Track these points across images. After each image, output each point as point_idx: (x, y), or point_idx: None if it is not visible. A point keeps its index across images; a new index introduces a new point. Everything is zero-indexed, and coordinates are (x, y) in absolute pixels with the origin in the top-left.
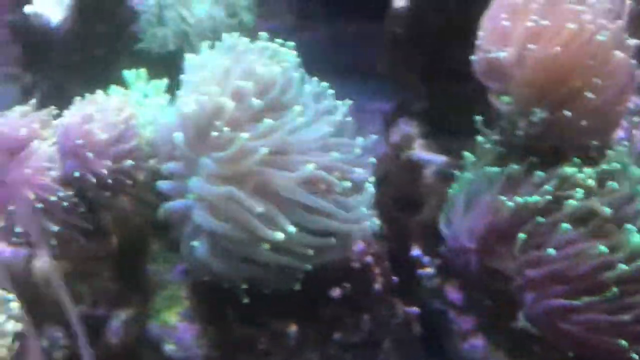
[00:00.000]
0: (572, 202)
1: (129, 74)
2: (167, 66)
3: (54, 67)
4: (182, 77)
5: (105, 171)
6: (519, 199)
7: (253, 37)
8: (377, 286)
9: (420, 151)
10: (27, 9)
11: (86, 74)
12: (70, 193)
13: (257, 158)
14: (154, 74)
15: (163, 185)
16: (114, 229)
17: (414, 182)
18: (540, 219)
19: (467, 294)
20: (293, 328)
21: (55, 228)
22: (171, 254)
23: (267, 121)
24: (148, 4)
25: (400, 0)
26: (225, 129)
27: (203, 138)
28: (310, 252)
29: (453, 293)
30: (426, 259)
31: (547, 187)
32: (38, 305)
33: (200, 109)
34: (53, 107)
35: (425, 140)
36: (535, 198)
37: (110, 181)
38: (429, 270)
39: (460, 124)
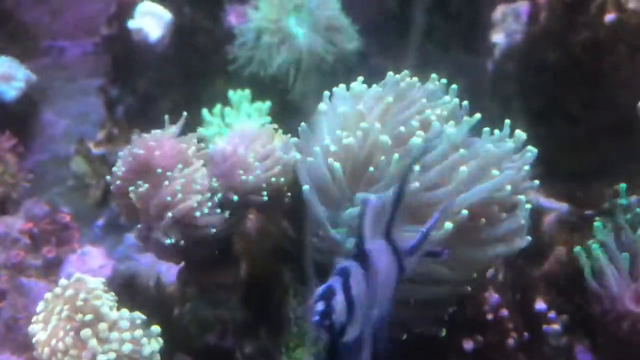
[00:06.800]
0: None
1: (234, 94)
2: (261, 89)
3: (142, 82)
4: (329, 107)
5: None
6: None
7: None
8: (511, 342)
9: (537, 196)
10: (132, 24)
11: (175, 91)
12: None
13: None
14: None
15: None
16: (243, 257)
17: (534, 230)
18: None
19: (601, 356)
20: None
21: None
22: (304, 287)
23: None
24: (247, 27)
25: (499, 35)
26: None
27: (359, 173)
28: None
29: (583, 354)
30: (552, 314)
31: None
32: (169, 330)
33: (360, 145)
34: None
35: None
36: None
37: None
38: (556, 327)
39: (574, 169)
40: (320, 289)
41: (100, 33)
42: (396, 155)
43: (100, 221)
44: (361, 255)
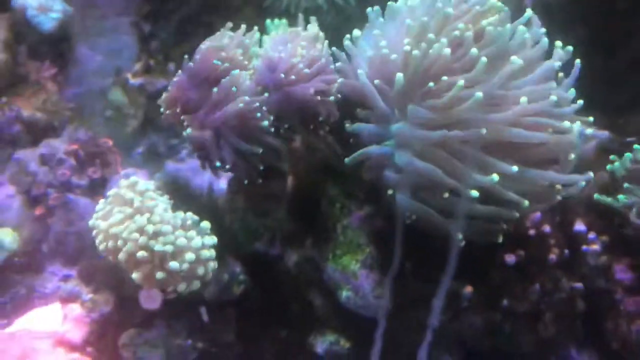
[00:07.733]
0: None
1: (271, 23)
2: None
3: (175, 16)
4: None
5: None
6: None
7: None
8: (552, 257)
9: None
10: None
11: (208, 27)
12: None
13: (471, 104)
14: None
15: (363, 129)
16: (291, 169)
17: None
18: None
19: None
20: (468, 289)
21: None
22: (348, 200)
23: (481, 66)
24: None
25: None
26: (444, 77)
27: (416, 85)
28: (526, 203)
29: (622, 272)
30: (592, 235)
31: None
32: (221, 236)
33: (421, 56)
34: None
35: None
36: None
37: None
38: (595, 247)
39: (614, 99)
40: None
41: None
42: (461, 82)
43: (140, 149)
44: None
